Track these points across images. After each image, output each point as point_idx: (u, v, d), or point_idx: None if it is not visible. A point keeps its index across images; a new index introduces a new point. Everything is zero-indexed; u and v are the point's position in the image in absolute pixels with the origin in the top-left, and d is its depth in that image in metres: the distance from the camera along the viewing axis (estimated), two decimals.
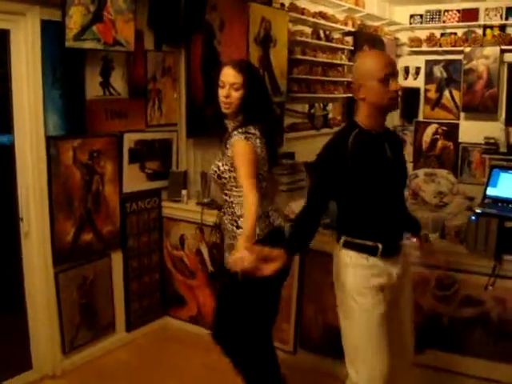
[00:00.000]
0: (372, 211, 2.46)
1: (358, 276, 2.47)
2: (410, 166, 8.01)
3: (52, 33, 3.24)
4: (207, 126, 4.37)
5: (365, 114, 2.48)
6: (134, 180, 3.99)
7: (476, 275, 3.11)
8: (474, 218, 3.11)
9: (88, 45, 3.34)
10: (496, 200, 3.41)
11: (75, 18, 3.19)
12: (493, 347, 3.11)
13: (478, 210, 3.22)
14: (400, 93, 2.49)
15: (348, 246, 2.51)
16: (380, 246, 2.45)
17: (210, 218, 3.98)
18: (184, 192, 4.18)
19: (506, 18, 7.41)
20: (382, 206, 2.47)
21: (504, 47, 7.31)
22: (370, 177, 2.42)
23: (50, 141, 3.35)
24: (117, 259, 3.96)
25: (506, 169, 3.57)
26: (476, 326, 3.15)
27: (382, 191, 2.46)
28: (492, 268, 3.03)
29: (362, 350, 2.48)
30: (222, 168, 2.81)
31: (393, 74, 2.41)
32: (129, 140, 3.89)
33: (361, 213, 2.48)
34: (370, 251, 2.46)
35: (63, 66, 3.36)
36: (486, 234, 3.04)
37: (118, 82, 3.76)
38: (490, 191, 3.49)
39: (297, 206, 3.65)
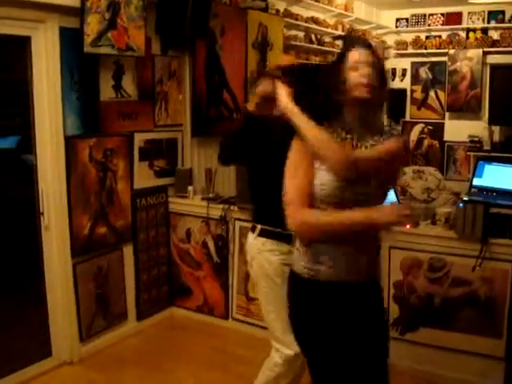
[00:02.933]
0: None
1: (273, 261, 2.67)
2: None
3: (70, 39, 3.47)
4: (210, 125, 4.65)
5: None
6: (144, 177, 4.23)
7: (465, 258, 3.39)
8: (461, 205, 3.39)
9: (104, 50, 3.58)
10: (481, 189, 3.71)
11: (92, 25, 3.44)
12: (481, 323, 3.39)
13: (466, 198, 3.51)
14: None
15: (263, 234, 2.69)
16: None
17: (216, 211, 4.23)
18: (190, 188, 4.42)
19: (488, 22, 7.73)
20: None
21: (486, 49, 7.62)
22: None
23: (69, 140, 3.58)
24: (128, 252, 4.18)
25: (490, 161, 3.87)
26: (465, 305, 3.42)
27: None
28: (479, 250, 3.31)
29: (276, 330, 2.68)
30: None
31: None
32: (139, 139, 4.13)
33: (273, 201, 2.28)
34: (284, 238, 2.57)
35: (80, 70, 3.60)
36: (473, 220, 3.31)
37: (128, 85, 4.00)
38: (476, 181, 3.79)
39: None
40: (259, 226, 2.74)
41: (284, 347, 2.68)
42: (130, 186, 4.11)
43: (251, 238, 2.79)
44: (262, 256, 2.72)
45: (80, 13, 3.41)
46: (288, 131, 2.12)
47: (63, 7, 3.40)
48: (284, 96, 2.17)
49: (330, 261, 2.01)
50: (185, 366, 3.77)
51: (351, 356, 2.04)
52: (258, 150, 2.65)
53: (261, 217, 2.76)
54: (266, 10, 5.30)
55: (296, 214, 2.00)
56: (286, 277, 2.25)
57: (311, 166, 2.02)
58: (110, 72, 3.86)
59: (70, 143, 3.60)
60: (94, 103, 3.74)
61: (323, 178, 1.99)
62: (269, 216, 2.63)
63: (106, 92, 3.84)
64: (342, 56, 2.15)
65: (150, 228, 4.35)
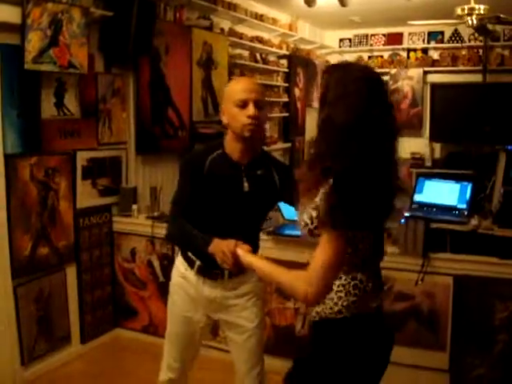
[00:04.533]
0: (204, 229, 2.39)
1: (173, 275, 2.73)
2: None
3: (10, 55, 3.40)
4: (155, 143, 4.63)
5: (228, 138, 2.43)
6: (87, 196, 4.16)
7: (407, 272, 3.44)
8: (403, 221, 3.46)
9: (45, 67, 3.52)
10: (422, 205, 3.80)
11: (33, 42, 3.38)
12: (425, 337, 3.45)
13: (407, 214, 3.58)
14: (260, 122, 2.36)
15: (181, 251, 2.66)
16: (198, 262, 2.52)
17: (161, 230, 4.18)
18: (134, 207, 4.37)
19: (428, 42, 8.02)
20: (214, 229, 2.36)
21: (426, 69, 7.89)
22: (207, 199, 2.43)
23: (9, 158, 3.49)
24: (71, 272, 4.08)
25: (429, 177, 3.97)
26: (409, 319, 3.47)
27: (216, 218, 2.44)
28: (421, 265, 3.37)
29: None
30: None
31: (253, 100, 2.30)
32: (81, 158, 4.06)
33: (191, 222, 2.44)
34: (189, 262, 2.57)
35: (20, 87, 3.52)
36: (414, 235, 3.39)
37: (71, 102, 3.94)
38: (417, 197, 3.88)
39: None
40: None
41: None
42: (72, 205, 4.03)
43: None
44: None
45: (21, 29, 3.35)
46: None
47: (3, 24, 3.33)
48: (244, 256, 2.14)
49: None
50: None
51: None
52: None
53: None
54: (210, 28, 5.33)
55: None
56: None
57: None
58: (52, 89, 3.79)
59: (10, 162, 3.51)
60: (35, 121, 3.66)
61: None
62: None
63: (48, 109, 3.77)
64: None
65: (93, 248, 4.27)
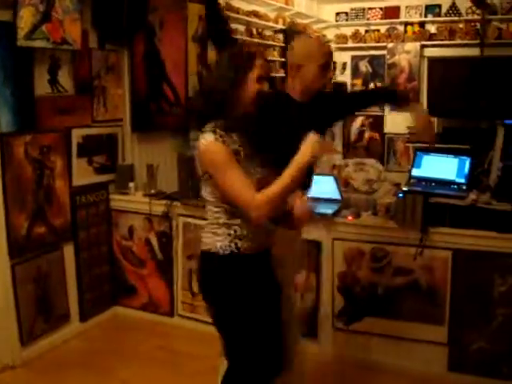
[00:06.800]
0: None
1: None
2: (339, 157, 8.44)
3: (2, 32, 3.33)
4: (151, 120, 4.58)
5: (297, 92, 2.70)
6: (83, 174, 4.12)
7: (406, 247, 3.45)
8: (401, 195, 3.45)
9: (38, 44, 3.46)
10: (420, 179, 3.78)
11: (26, 18, 3.31)
12: (424, 311, 3.46)
13: (405, 188, 3.57)
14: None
15: None
16: None
17: (158, 207, 4.17)
18: (131, 184, 4.34)
19: (425, 16, 7.92)
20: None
21: (424, 43, 7.81)
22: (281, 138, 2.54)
23: (3, 137, 3.45)
24: (69, 251, 4.06)
25: (428, 152, 3.95)
26: (408, 293, 3.48)
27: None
28: (419, 239, 3.38)
29: None
30: None
31: (329, 63, 2.69)
32: (76, 135, 4.01)
33: None
34: None
35: (13, 64, 3.46)
36: (412, 210, 3.38)
37: (65, 79, 3.88)
38: (415, 172, 3.86)
39: None
40: None
41: None
42: (68, 183, 3.99)
43: None
44: None
45: (12, 5, 3.28)
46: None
47: None
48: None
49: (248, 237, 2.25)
50: (131, 366, 3.69)
51: (263, 316, 2.30)
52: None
53: None
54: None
55: (258, 205, 2.09)
56: None
57: (233, 160, 2.12)
58: (46, 66, 3.73)
59: (5, 140, 3.46)
60: (28, 98, 3.60)
61: None
62: None
63: (42, 87, 3.71)
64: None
65: (90, 226, 4.25)
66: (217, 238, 2.25)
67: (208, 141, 2.13)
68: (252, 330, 2.26)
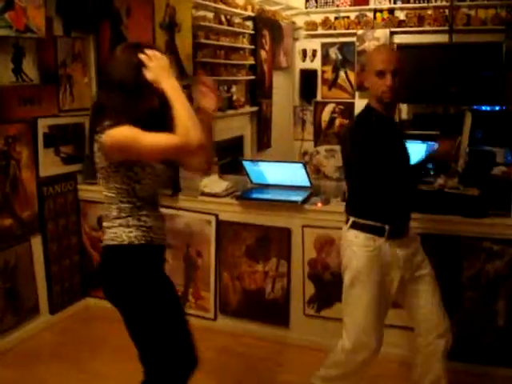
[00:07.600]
0: (383, 192, 2.61)
1: (362, 255, 2.67)
2: (310, 144, 8.47)
3: None
4: None
5: (373, 101, 2.70)
6: (50, 164, 4.06)
7: None
8: None
9: (1, 32, 3.37)
10: None
11: None
12: None
13: None
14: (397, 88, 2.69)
15: (355, 226, 2.70)
16: (387, 227, 2.63)
17: None
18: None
19: (395, 2, 7.92)
20: (393, 187, 2.61)
21: (393, 29, 7.83)
22: (386, 156, 2.55)
23: None
24: (37, 243, 4.02)
25: None
26: None
27: (395, 172, 2.60)
28: None
29: (350, 320, 2.78)
30: None
31: (391, 70, 2.65)
32: (42, 125, 3.95)
33: (372, 193, 2.63)
34: (377, 232, 2.65)
35: None
36: None
37: (29, 68, 3.80)
38: None
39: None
40: (352, 219, 2.73)
41: (346, 339, 2.79)
42: (35, 174, 3.93)
43: (344, 229, 2.80)
44: (350, 250, 2.73)
45: None
46: None
47: None
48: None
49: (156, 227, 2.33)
50: (104, 357, 3.68)
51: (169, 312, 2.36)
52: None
53: (355, 209, 2.75)
54: None
55: (184, 133, 2.06)
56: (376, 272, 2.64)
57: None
58: (9, 55, 3.65)
59: None
60: None
61: None
62: (364, 208, 2.70)
63: (6, 76, 3.63)
64: None
65: (59, 217, 4.19)
66: (129, 230, 2.25)
67: (111, 130, 2.11)
68: (166, 323, 2.33)
